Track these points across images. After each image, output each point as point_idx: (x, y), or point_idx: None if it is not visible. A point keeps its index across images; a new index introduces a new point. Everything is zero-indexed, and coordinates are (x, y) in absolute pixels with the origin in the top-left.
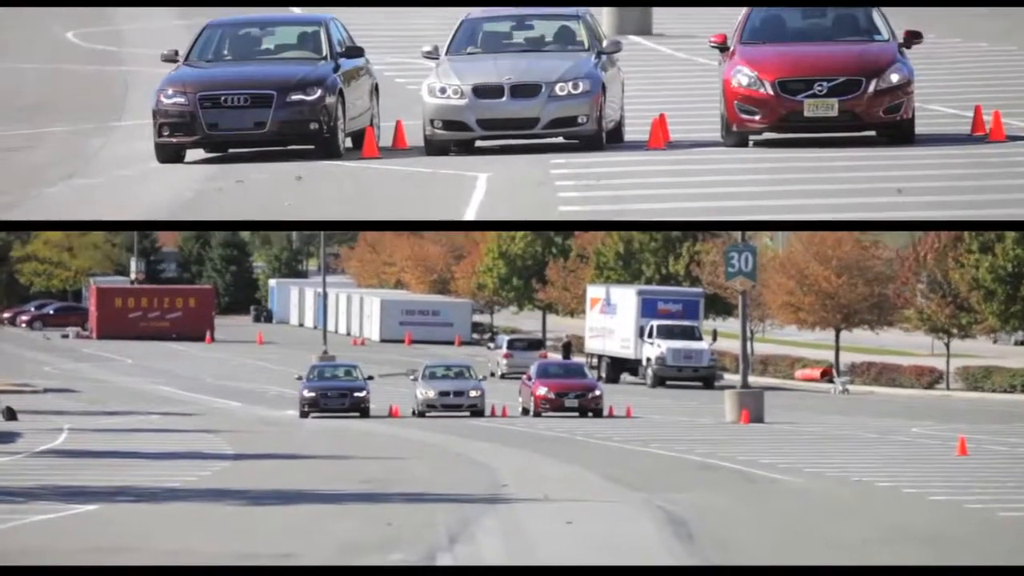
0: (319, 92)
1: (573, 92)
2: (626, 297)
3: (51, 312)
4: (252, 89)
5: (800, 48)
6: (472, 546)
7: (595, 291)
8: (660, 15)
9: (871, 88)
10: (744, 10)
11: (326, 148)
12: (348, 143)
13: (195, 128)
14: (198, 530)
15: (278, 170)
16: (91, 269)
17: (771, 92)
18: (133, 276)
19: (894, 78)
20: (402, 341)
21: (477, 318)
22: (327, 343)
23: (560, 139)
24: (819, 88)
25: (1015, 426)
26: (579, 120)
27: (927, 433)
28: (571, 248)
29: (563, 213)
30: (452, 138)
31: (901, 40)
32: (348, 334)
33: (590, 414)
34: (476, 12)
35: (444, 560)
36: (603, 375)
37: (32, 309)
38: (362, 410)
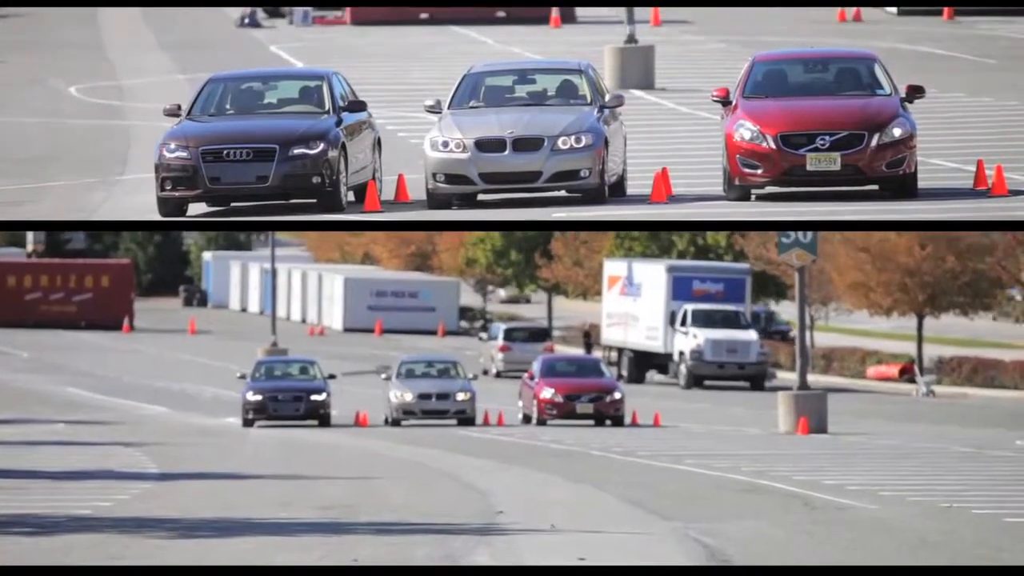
0: (322, 146)
1: (575, 146)
2: (654, 275)
3: None
4: (254, 143)
5: (802, 102)
6: None
7: (614, 267)
8: (662, 71)
9: (874, 142)
10: (746, 64)
11: (328, 202)
12: (350, 197)
13: (197, 182)
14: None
15: None
16: None
17: (773, 146)
18: (30, 248)
19: (896, 132)
20: (371, 330)
21: (465, 301)
22: (276, 333)
23: (563, 192)
24: (821, 142)
25: None
26: (581, 174)
27: None
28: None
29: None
30: (454, 192)
31: (903, 95)
32: (303, 321)
33: (608, 422)
34: (479, 66)
35: None
36: (624, 373)
37: None
38: (321, 417)
